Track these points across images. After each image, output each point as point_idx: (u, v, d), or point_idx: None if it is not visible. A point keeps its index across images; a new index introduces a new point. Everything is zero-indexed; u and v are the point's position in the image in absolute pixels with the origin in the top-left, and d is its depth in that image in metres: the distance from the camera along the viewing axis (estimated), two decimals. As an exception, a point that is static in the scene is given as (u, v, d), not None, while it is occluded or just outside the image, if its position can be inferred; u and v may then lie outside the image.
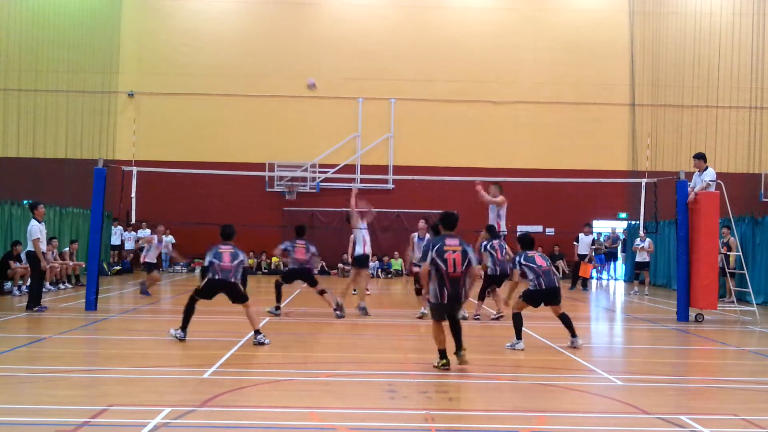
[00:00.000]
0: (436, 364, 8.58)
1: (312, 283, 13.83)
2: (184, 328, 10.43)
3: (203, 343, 10.43)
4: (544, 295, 10.11)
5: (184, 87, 28.42)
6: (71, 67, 28.43)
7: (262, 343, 10.20)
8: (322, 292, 13.74)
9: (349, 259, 17.00)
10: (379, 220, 22.27)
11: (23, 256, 16.75)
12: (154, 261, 17.93)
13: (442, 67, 28.74)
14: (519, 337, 10.25)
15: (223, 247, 10.65)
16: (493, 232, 13.68)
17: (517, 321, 10.30)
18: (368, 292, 17.58)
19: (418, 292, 14.43)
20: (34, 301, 13.70)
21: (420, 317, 13.62)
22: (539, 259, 10.24)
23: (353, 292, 16.16)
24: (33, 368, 8.47)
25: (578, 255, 22.28)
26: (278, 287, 13.89)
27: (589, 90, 28.88)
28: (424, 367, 8.73)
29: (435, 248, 8.46)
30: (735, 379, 8.94)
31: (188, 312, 10.51)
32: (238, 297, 10.54)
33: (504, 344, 10.41)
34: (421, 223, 14.60)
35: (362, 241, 14.71)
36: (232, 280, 10.43)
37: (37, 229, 13.94)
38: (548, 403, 7.37)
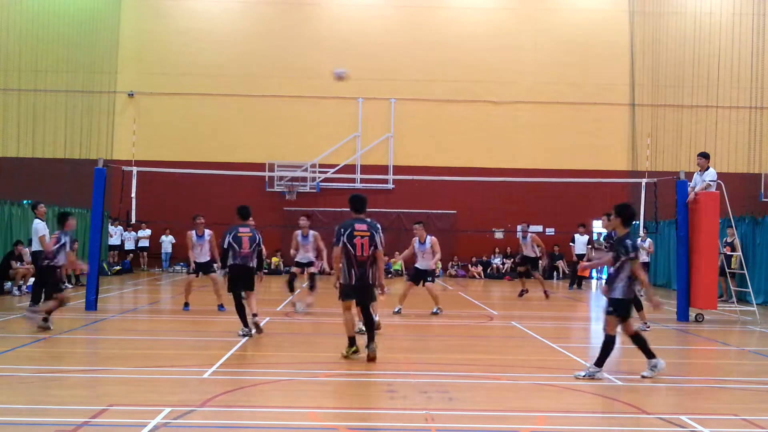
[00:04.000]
0: (344, 353, 9.09)
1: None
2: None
3: (203, 343, 10.43)
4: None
5: (184, 87, 28.39)
6: (71, 67, 28.39)
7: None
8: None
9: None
10: (379, 220, 22.24)
11: (26, 256, 16.74)
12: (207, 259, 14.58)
13: (441, 67, 28.72)
14: None
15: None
16: None
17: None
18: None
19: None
20: (36, 301, 13.66)
21: (436, 313, 14.31)
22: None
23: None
24: (33, 368, 8.46)
25: (576, 255, 22.28)
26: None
27: (589, 90, 28.86)
28: (424, 367, 8.72)
29: (346, 233, 8.99)
30: (735, 379, 8.94)
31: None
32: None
33: (500, 345, 10.38)
34: (302, 221, 14.55)
35: None
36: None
37: (42, 227, 13.95)
38: (548, 403, 7.36)
